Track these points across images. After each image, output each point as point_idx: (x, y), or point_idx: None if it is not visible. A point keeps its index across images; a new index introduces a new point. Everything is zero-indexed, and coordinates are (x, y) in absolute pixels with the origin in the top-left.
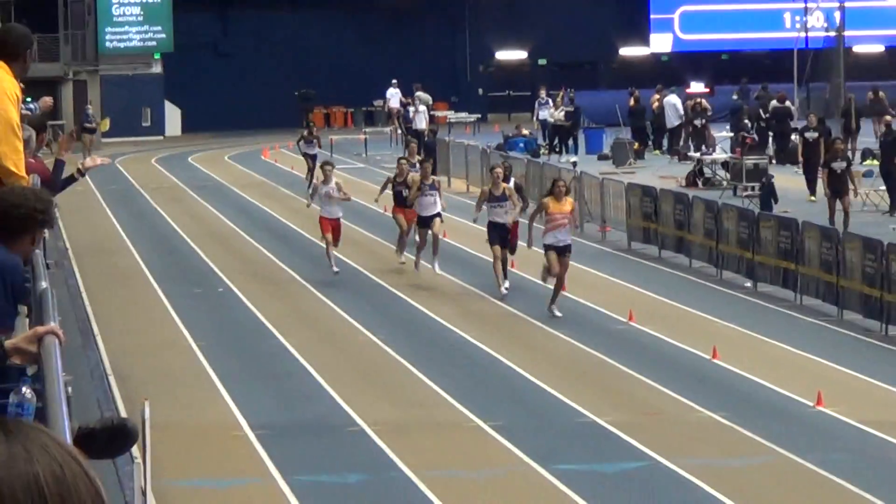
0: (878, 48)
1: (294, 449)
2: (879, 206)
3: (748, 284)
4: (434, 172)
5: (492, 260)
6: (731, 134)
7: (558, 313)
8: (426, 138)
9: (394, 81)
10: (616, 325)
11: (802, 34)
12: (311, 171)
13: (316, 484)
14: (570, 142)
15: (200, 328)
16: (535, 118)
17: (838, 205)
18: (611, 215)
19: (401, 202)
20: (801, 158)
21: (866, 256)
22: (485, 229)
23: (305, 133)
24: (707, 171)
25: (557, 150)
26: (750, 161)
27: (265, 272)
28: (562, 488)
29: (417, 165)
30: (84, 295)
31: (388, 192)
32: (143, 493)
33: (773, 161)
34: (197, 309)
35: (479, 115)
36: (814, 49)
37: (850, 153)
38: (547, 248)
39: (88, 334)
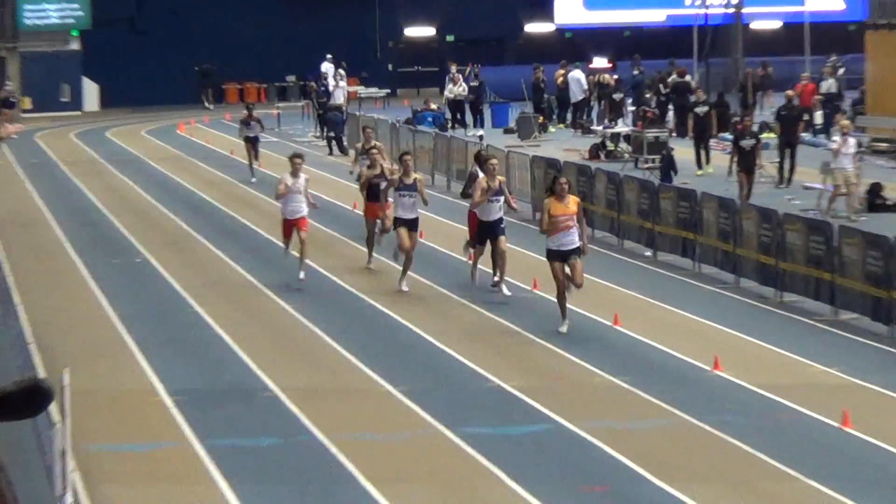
0: (776, 24)
1: (209, 414)
2: (775, 178)
3: (648, 254)
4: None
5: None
6: (633, 108)
7: (564, 330)
8: (336, 113)
9: (328, 56)
10: (522, 293)
11: (702, 11)
12: (251, 156)
13: (231, 447)
14: (477, 116)
15: (119, 298)
16: (444, 93)
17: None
18: (516, 187)
19: (374, 197)
20: (691, 133)
21: (762, 226)
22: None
23: (244, 114)
24: (609, 143)
25: (461, 123)
26: (650, 134)
27: (181, 243)
28: (469, 451)
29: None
30: (5, 266)
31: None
32: (63, 456)
33: (674, 134)
34: (115, 279)
35: (389, 91)
36: (713, 25)
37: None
38: (550, 255)
39: (9, 304)
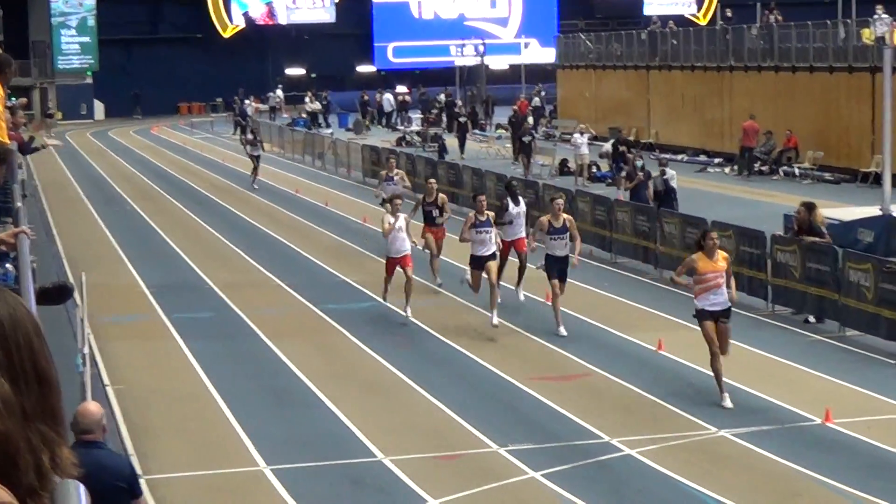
0: (505, 66)
1: (172, 298)
2: (507, 156)
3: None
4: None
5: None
6: (421, 115)
7: (729, 404)
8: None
9: (280, 86)
10: (352, 224)
11: (461, 58)
12: (255, 170)
13: (184, 318)
14: (327, 121)
15: (116, 229)
16: (306, 108)
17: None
18: (353, 163)
19: (430, 221)
20: (456, 131)
21: (497, 182)
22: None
23: (250, 137)
24: (408, 136)
25: (320, 125)
26: (432, 130)
27: (152, 196)
28: (327, 318)
29: (396, 178)
30: (47, 211)
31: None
32: (82, 323)
33: (446, 131)
34: (113, 218)
35: (277, 107)
36: (468, 66)
37: (489, 126)
38: (701, 315)
39: (50, 233)
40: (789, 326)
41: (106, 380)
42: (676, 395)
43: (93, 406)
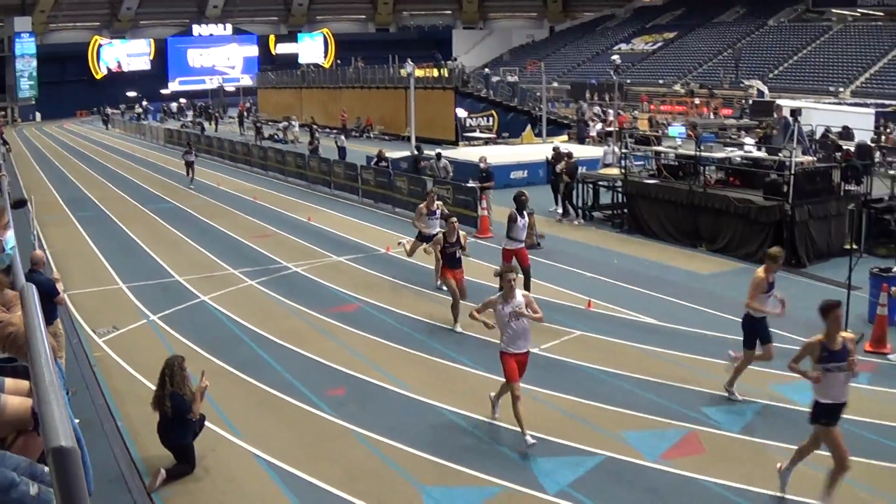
0: (232, 88)
1: None
2: (235, 131)
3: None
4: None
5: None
6: (192, 112)
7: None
8: None
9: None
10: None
11: (212, 85)
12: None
13: None
14: (147, 116)
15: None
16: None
17: None
18: (157, 135)
19: (453, 263)
20: (212, 121)
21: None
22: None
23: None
24: (185, 123)
25: (141, 119)
26: (196, 120)
27: None
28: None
29: (438, 212)
30: None
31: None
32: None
33: (206, 121)
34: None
35: None
36: (214, 88)
37: (226, 117)
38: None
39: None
40: None
41: None
42: None
43: (38, 252)
